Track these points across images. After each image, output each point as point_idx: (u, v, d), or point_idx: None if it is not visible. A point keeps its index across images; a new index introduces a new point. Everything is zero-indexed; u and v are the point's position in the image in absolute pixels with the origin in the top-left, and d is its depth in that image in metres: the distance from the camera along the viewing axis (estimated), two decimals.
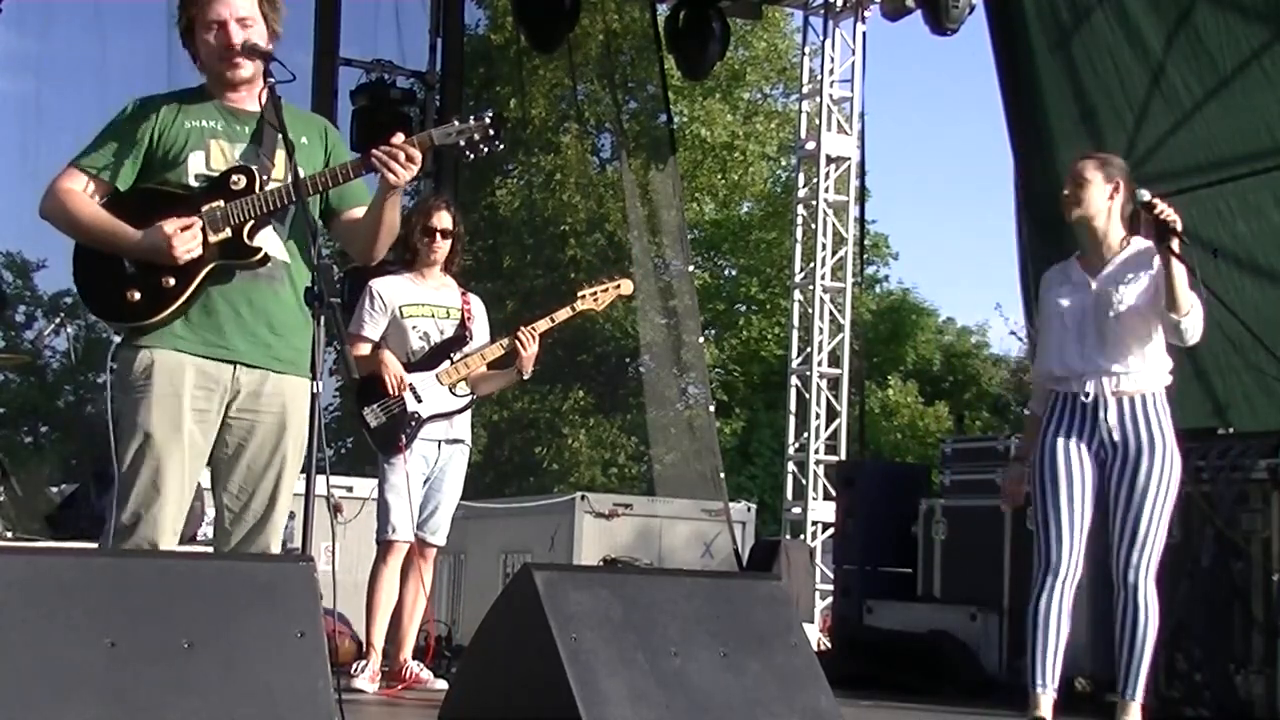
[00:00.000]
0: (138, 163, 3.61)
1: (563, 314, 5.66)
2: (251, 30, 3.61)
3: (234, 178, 3.59)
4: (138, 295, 3.54)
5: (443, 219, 5.67)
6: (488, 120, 3.65)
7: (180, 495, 3.56)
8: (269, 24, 3.67)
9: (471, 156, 3.69)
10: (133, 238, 3.53)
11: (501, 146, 3.71)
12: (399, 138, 3.56)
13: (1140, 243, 4.70)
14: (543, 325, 5.58)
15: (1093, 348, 4.65)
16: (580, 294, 5.69)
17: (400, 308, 5.60)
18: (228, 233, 3.56)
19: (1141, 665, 4.57)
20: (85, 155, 3.62)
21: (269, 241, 3.62)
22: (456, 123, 3.67)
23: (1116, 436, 4.61)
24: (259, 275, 3.62)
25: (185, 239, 3.50)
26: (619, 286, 5.78)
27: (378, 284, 5.65)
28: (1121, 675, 4.60)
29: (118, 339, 3.63)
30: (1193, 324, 4.58)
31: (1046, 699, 4.56)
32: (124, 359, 3.59)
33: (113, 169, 3.60)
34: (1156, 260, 4.59)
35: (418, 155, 3.54)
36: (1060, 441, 4.65)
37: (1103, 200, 4.69)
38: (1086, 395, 4.62)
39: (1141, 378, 4.64)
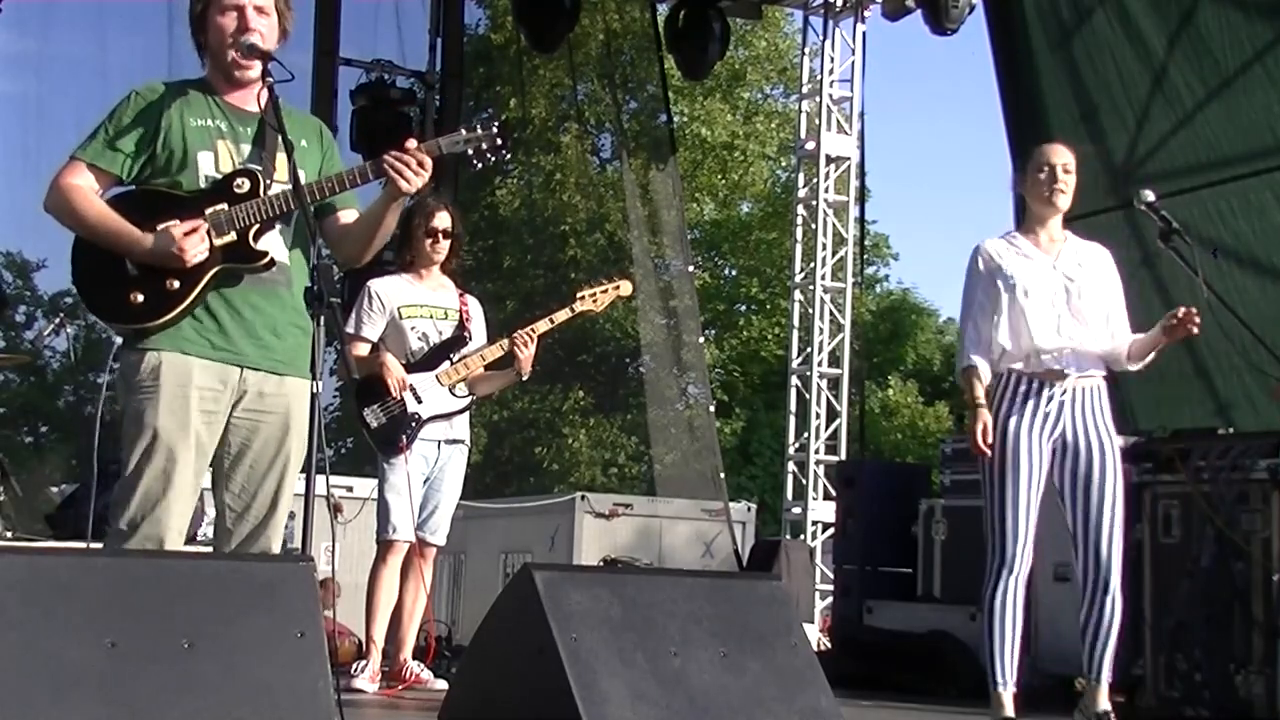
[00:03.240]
0: (142, 154, 3.58)
1: (562, 315, 5.65)
2: (266, 22, 3.61)
3: (237, 181, 3.58)
4: (140, 297, 3.52)
5: (444, 219, 5.67)
6: (495, 129, 3.66)
7: (186, 496, 3.55)
8: (281, 21, 3.67)
9: (479, 165, 3.70)
10: (139, 240, 3.50)
11: (508, 155, 3.73)
12: (411, 143, 3.55)
13: (1077, 237, 4.77)
14: (541, 326, 5.58)
15: (1067, 329, 4.62)
16: (579, 295, 5.68)
17: (399, 308, 5.60)
18: (233, 236, 3.55)
19: (1109, 649, 4.60)
20: (87, 146, 3.58)
21: (273, 244, 3.61)
22: (464, 131, 3.68)
23: (1079, 427, 4.60)
24: (262, 278, 3.61)
25: (193, 243, 3.48)
26: (618, 287, 5.77)
27: (376, 284, 5.65)
28: (1091, 660, 4.62)
29: (119, 340, 3.61)
30: (1133, 370, 4.70)
31: (1009, 697, 4.57)
32: (129, 360, 3.57)
33: (117, 161, 3.57)
34: (1115, 276, 4.70)
35: (429, 164, 3.54)
36: (1023, 428, 4.57)
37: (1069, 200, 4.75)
38: (1063, 374, 4.57)
39: (1098, 368, 4.67)
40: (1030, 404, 4.58)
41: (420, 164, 3.52)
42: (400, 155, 3.52)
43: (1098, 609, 4.59)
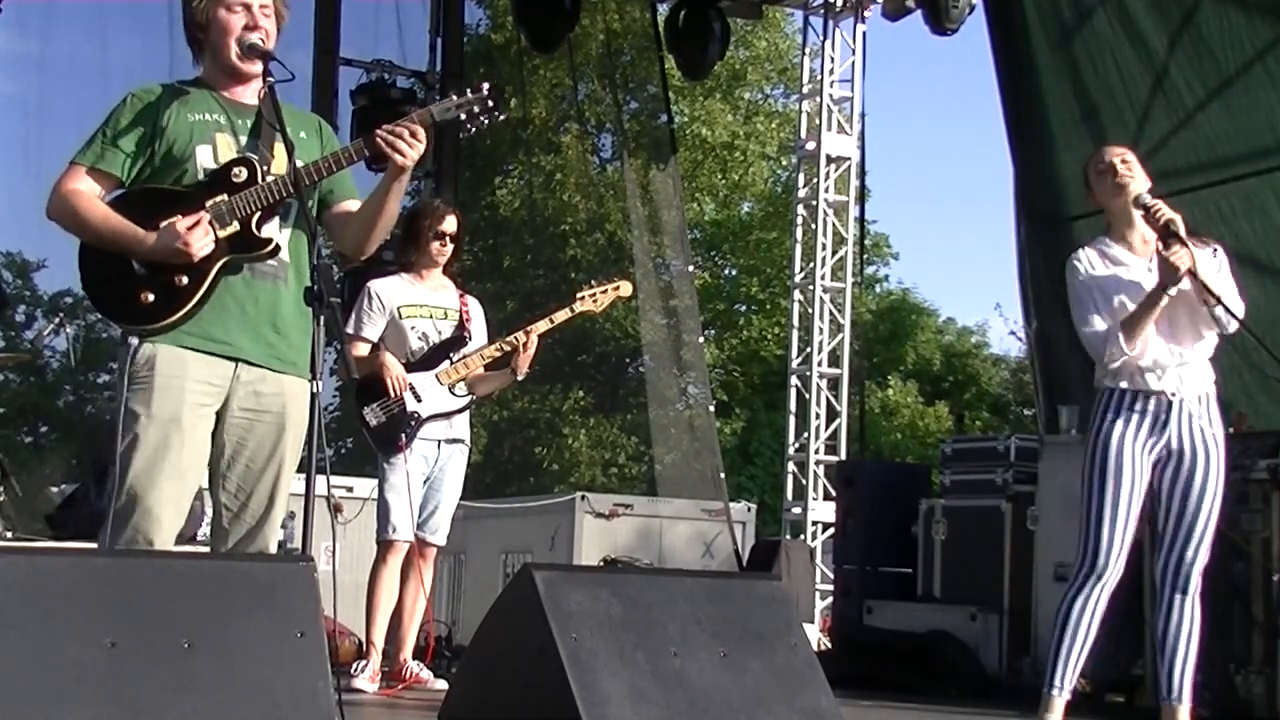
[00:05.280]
0: (141, 155, 3.58)
1: (561, 315, 5.66)
2: (269, 23, 3.61)
3: (235, 170, 3.58)
4: (151, 296, 3.53)
5: (452, 224, 5.69)
6: (485, 91, 3.64)
7: (178, 485, 3.54)
8: (278, 21, 3.67)
9: (473, 130, 3.68)
10: (144, 239, 3.51)
11: (501, 116, 3.70)
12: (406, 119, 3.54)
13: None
14: (541, 326, 5.58)
15: (1171, 342, 4.44)
16: (579, 295, 5.69)
17: (399, 308, 5.61)
18: (236, 226, 3.55)
19: (1189, 664, 4.44)
20: (86, 151, 3.59)
21: (275, 234, 3.61)
22: (455, 96, 3.66)
23: (1185, 437, 4.44)
24: (264, 273, 3.61)
25: (198, 236, 3.48)
26: (618, 288, 5.77)
27: (376, 285, 5.66)
28: (1173, 678, 4.44)
29: (133, 341, 3.59)
30: (1229, 309, 4.47)
31: (1061, 703, 4.44)
32: (127, 354, 3.57)
33: (116, 162, 3.58)
34: (1219, 267, 4.52)
35: (421, 133, 3.53)
36: (1126, 438, 4.42)
37: (1145, 181, 4.54)
38: (1172, 394, 4.42)
39: (1206, 376, 4.52)
40: (1134, 419, 4.44)
41: (414, 134, 3.51)
42: (392, 128, 3.51)
43: (1177, 613, 4.44)
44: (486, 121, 3.64)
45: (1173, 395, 4.45)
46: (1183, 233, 4.41)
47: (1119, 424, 4.45)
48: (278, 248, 3.59)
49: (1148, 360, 4.44)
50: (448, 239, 5.67)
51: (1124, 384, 4.47)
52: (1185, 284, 4.42)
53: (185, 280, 3.52)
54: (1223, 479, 4.48)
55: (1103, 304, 4.47)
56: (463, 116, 3.63)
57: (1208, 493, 4.45)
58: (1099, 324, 4.46)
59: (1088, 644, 4.45)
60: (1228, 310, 4.48)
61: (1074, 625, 4.44)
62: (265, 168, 3.59)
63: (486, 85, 3.64)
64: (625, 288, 5.82)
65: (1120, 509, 4.42)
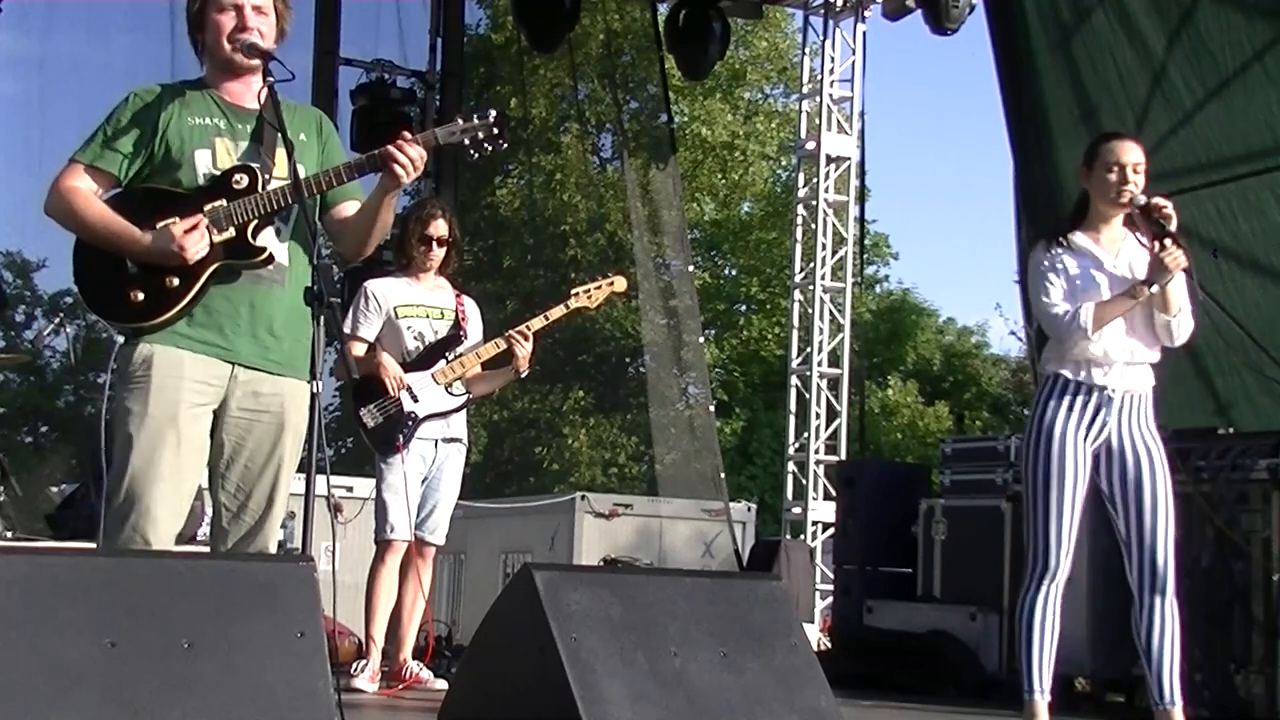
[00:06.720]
0: (140, 155, 3.59)
1: (557, 312, 5.66)
2: (264, 21, 3.61)
3: (236, 177, 3.58)
4: (141, 295, 3.54)
5: (439, 227, 5.67)
6: (491, 118, 3.65)
7: (175, 486, 3.55)
8: (280, 21, 3.67)
9: (475, 155, 3.69)
10: (140, 239, 3.52)
11: (505, 145, 3.71)
12: (406, 135, 3.56)
13: (1134, 236, 4.62)
14: (537, 324, 5.58)
15: (1127, 338, 4.46)
16: (574, 292, 5.69)
17: (395, 308, 5.61)
18: (231, 232, 3.56)
19: (1175, 665, 4.47)
20: (86, 149, 3.60)
21: (271, 242, 3.62)
22: (460, 121, 3.67)
23: (1125, 434, 4.46)
24: (261, 276, 3.61)
25: (194, 240, 3.49)
26: (612, 283, 5.77)
27: (373, 285, 5.66)
28: (1163, 682, 4.46)
29: (120, 339, 3.62)
30: (1182, 323, 4.49)
31: (1044, 705, 4.46)
32: (124, 355, 3.58)
33: (115, 161, 3.58)
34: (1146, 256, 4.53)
35: (423, 154, 3.55)
36: (1068, 428, 4.44)
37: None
38: (1112, 390, 4.45)
39: (1149, 378, 4.54)
40: (1076, 408, 4.45)
41: (415, 156, 3.53)
42: (395, 148, 3.53)
43: (1159, 616, 4.45)
44: (490, 149, 3.66)
45: (1113, 391, 4.46)
46: (1175, 229, 4.41)
47: (1060, 413, 4.46)
48: (271, 257, 3.59)
49: (1099, 352, 4.45)
50: (434, 243, 5.66)
51: (1067, 372, 4.48)
52: (1181, 280, 4.43)
53: (176, 282, 3.54)
54: (1169, 478, 4.49)
55: (1068, 289, 4.48)
56: (466, 142, 3.65)
57: (1160, 493, 4.45)
58: (1062, 305, 4.46)
59: (1055, 641, 4.46)
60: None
61: (1040, 626, 4.45)
62: (266, 175, 3.60)
63: (493, 112, 3.66)
64: (620, 283, 5.82)
65: (1066, 506, 4.43)
